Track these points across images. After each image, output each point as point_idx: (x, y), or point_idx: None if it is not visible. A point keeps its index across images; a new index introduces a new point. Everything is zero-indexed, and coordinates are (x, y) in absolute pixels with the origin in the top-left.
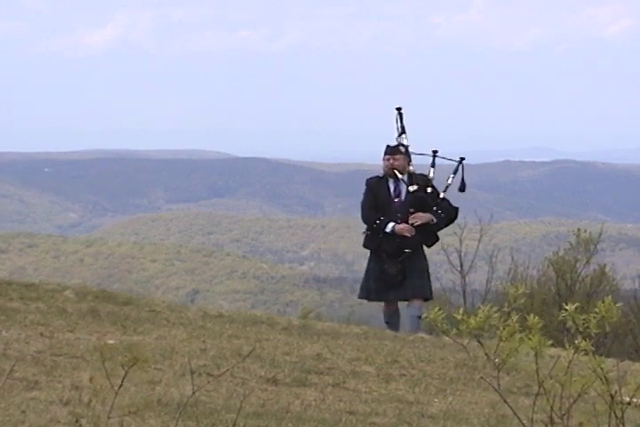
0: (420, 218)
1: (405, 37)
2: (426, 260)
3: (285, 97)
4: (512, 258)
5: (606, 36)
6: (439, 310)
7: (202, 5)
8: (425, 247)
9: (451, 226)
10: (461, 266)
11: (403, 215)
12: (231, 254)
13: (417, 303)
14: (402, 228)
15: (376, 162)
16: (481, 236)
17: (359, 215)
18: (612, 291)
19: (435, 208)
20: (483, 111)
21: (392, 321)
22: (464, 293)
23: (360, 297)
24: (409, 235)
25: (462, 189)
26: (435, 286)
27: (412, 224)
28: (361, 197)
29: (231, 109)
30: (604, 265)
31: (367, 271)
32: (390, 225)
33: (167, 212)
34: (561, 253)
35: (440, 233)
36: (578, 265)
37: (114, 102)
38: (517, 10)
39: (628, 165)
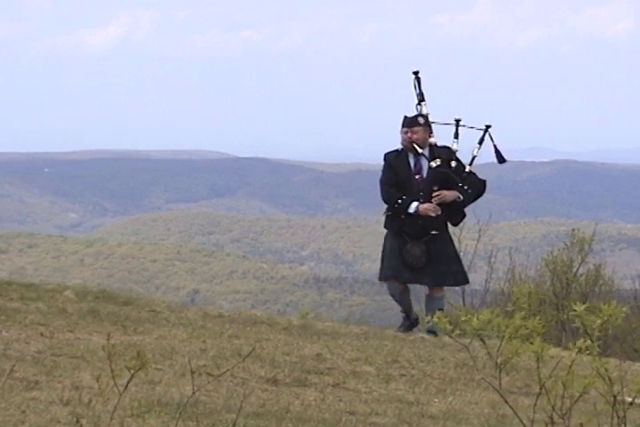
0: (444, 196)
1: (407, 37)
2: (452, 242)
3: (286, 97)
4: (511, 258)
5: (608, 36)
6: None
7: (204, 5)
8: (450, 226)
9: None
10: None
11: (425, 194)
12: (231, 254)
13: (438, 294)
14: (426, 207)
15: (376, 162)
16: (480, 236)
17: (359, 215)
18: (608, 290)
19: (460, 184)
20: (483, 111)
21: (404, 300)
22: (463, 293)
23: (384, 278)
24: (434, 215)
25: (501, 159)
26: None
27: (436, 203)
28: (361, 195)
29: (232, 109)
30: (600, 265)
31: (389, 250)
32: (414, 205)
33: (167, 212)
34: (556, 253)
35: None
36: (574, 265)
37: (114, 102)
38: (519, 10)
39: (627, 165)
